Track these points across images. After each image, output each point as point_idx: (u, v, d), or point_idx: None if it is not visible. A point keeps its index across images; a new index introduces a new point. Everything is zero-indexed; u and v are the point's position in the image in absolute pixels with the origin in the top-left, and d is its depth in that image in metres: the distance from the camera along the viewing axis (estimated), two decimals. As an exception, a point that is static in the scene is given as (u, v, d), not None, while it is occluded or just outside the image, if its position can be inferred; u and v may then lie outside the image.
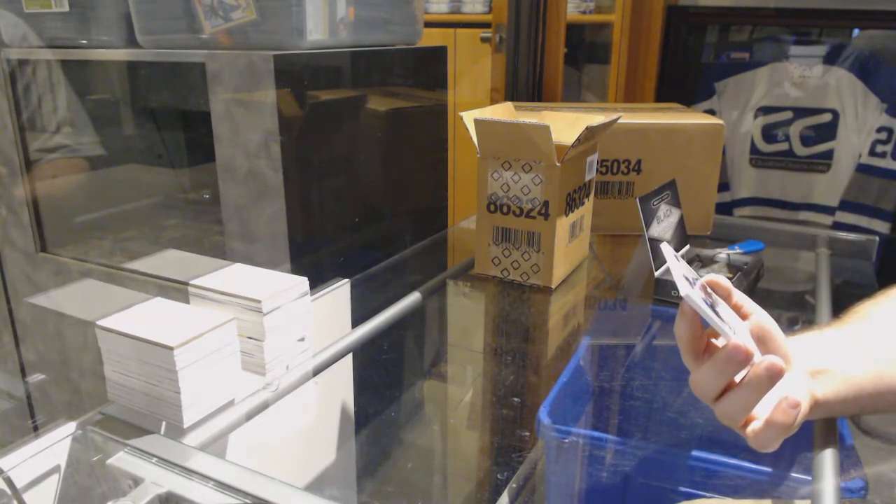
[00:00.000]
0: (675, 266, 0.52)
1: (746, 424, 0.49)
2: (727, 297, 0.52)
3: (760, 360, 0.46)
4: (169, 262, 1.12)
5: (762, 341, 0.51)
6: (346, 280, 0.91)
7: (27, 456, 0.54)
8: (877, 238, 1.11)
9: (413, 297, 0.91)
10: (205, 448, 0.58)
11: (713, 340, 0.52)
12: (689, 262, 0.96)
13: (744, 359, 0.46)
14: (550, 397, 0.64)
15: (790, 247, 1.17)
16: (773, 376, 0.46)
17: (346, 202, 1.05)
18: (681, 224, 0.97)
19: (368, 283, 1.01)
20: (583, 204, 0.98)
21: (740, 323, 0.52)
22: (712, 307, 0.49)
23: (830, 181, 1.59)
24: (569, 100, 2.01)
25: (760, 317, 0.52)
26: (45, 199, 1.19)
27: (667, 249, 0.55)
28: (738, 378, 0.49)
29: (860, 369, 0.52)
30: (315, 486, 0.84)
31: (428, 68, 1.23)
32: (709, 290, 0.52)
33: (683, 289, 0.49)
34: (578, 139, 0.86)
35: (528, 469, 0.66)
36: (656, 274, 0.88)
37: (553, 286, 0.93)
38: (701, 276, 0.53)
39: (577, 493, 0.63)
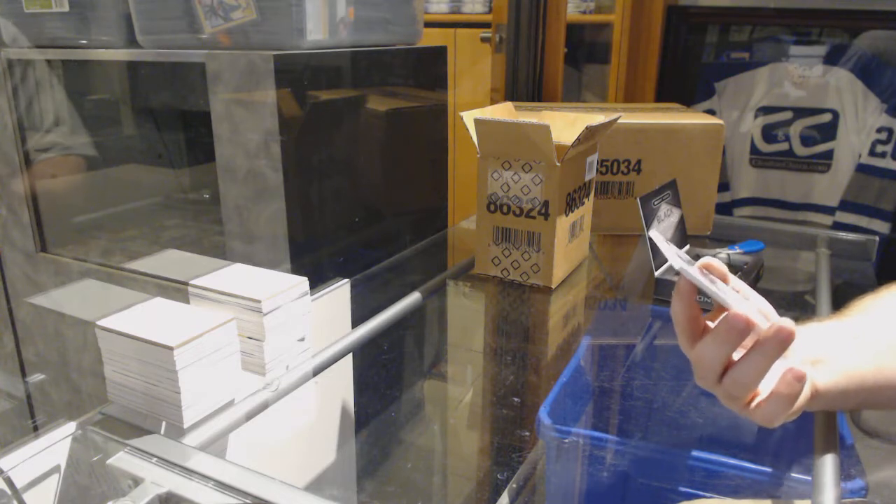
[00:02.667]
0: (668, 248, 0.51)
1: (748, 404, 0.48)
2: (723, 281, 0.52)
3: (771, 324, 0.45)
4: (169, 262, 1.12)
5: None
6: (346, 280, 0.91)
7: (27, 456, 0.54)
8: (877, 238, 1.11)
9: (413, 297, 0.91)
10: (205, 448, 0.58)
11: (709, 324, 0.51)
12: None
13: (744, 327, 0.45)
14: (550, 397, 0.64)
15: (790, 247, 1.17)
16: (784, 340, 0.45)
17: (346, 202, 1.05)
18: (681, 224, 0.97)
19: (368, 283, 1.01)
20: (583, 204, 0.98)
21: (740, 297, 0.51)
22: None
23: (830, 181, 1.59)
24: (569, 100, 2.01)
25: (757, 301, 0.51)
26: (46, 200, 1.19)
27: (655, 235, 0.55)
28: (736, 356, 0.48)
29: (861, 361, 0.52)
30: (315, 486, 0.84)
31: (428, 68, 1.23)
32: (705, 272, 0.51)
33: (678, 263, 0.48)
34: (578, 139, 0.86)
35: (528, 469, 0.66)
36: (656, 274, 0.88)
37: (553, 286, 0.93)
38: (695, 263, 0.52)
39: (577, 493, 0.63)
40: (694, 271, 0.48)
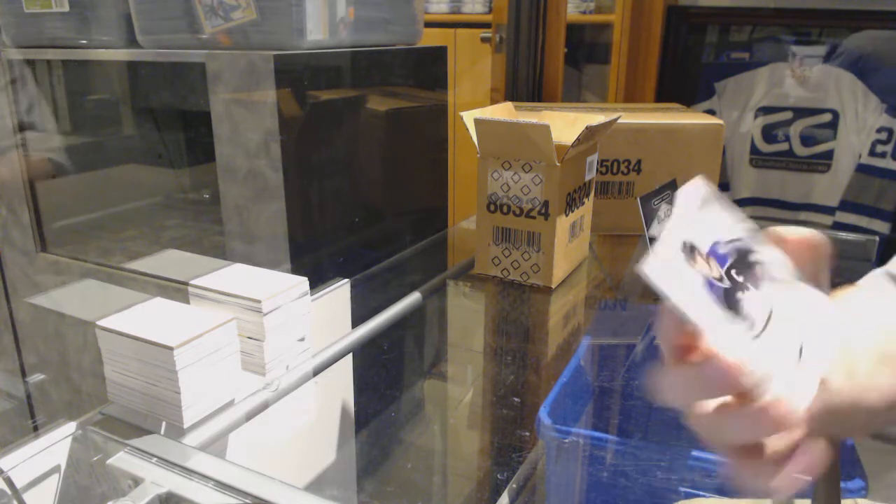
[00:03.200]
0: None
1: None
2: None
3: (771, 399, 0.32)
4: (169, 262, 1.12)
5: None
6: (346, 280, 0.91)
7: (27, 456, 0.54)
8: (877, 238, 1.11)
9: (413, 297, 0.91)
10: (205, 448, 0.58)
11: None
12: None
13: (733, 384, 0.32)
14: (550, 397, 0.64)
15: (790, 247, 1.17)
16: (779, 425, 0.32)
17: (346, 202, 1.05)
18: (681, 224, 0.97)
19: (368, 283, 1.01)
20: (583, 204, 0.98)
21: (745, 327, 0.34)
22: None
23: (830, 181, 1.59)
24: (569, 100, 2.01)
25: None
26: (46, 199, 1.19)
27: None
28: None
29: (836, 386, 0.41)
30: (315, 486, 0.84)
31: (428, 68, 1.23)
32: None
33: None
34: (578, 139, 0.86)
35: (528, 469, 0.66)
36: (656, 274, 0.88)
37: (553, 286, 0.93)
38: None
39: (577, 493, 0.63)
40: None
